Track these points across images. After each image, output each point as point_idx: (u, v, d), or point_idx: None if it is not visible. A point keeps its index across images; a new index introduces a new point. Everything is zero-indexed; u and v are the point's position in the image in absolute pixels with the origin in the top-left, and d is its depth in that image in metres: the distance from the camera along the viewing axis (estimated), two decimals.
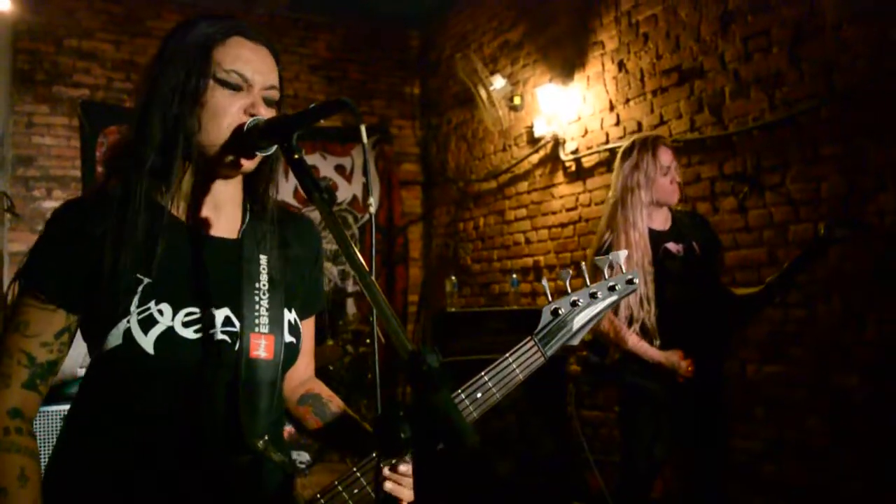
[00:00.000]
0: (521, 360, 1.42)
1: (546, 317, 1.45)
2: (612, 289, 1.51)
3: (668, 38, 4.53)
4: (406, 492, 1.18)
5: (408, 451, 0.82)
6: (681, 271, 3.15)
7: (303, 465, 5.02)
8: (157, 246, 1.22)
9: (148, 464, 1.20)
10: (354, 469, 1.32)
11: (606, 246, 3.12)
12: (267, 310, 1.29)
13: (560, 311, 1.46)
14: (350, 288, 6.94)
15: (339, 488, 1.31)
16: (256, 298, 1.28)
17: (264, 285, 1.30)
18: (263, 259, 1.33)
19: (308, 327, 1.47)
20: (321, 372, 6.33)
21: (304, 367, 1.50)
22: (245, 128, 1.23)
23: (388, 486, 1.18)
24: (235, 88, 1.26)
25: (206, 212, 1.31)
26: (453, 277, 6.11)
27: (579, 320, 1.47)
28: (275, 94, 1.31)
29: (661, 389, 3.09)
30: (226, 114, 1.24)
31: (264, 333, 1.27)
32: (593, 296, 1.49)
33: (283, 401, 1.39)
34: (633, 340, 3.08)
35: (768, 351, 3.81)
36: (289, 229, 1.41)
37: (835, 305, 3.51)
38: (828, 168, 3.56)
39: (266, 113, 1.26)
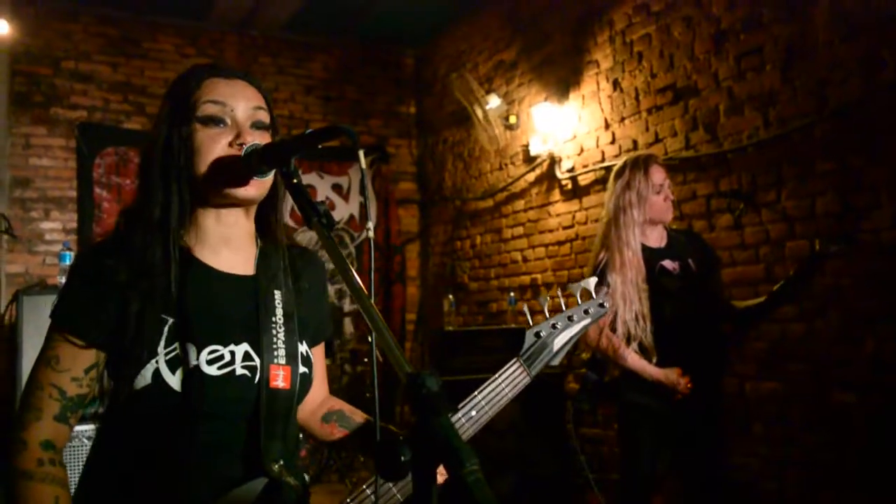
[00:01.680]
0: (510, 380, 1.55)
1: (529, 339, 1.60)
2: (586, 312, 1.68)
3: (662, 57, 4.56)
4: None
5: (407, 475, 0.82)
6: (677, 288, 3.16)
7: (308, 478, 4.99)
8: (179, 288, 1.29)
9: (168, 494, 1.25)
10: (364, 487, 1.40)
11: (602, 265, 3.13)
12: (283, 342, 1.35)
13: (542, 334, 1.61)
14: (347, 307, 6.93)
15: None
16: (273, 332, 1.34)
17: (280, 319, 1.36)
18: (277, 294, 1.39)
19: (319, 353, 1.53)
20: None
21: (321, 389, 1.57)
22: (243, 153, 1.26)
23: None
24: (217, 122, 1.31)
25: (221, 250, 1.37)
26: (451, 296, 6.12)
27: (559, 341, 1.62)
28: (262, 116, 1.36)
29: (660, 407, 3.08)
30: (212, 151, 1.29)
31: (282, 364, 1.33)
32: (570, 318, 1.65)
33: (298, 428, 1.46)
34: (632, 358, 3.08)
35: (766, 367, 3.81)
36: (298, 263, 1.48)
37: (833, 321, 3.51)
38: (822, 184, 3.58)
39: (253, 138, 1.31)
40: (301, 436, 1.57)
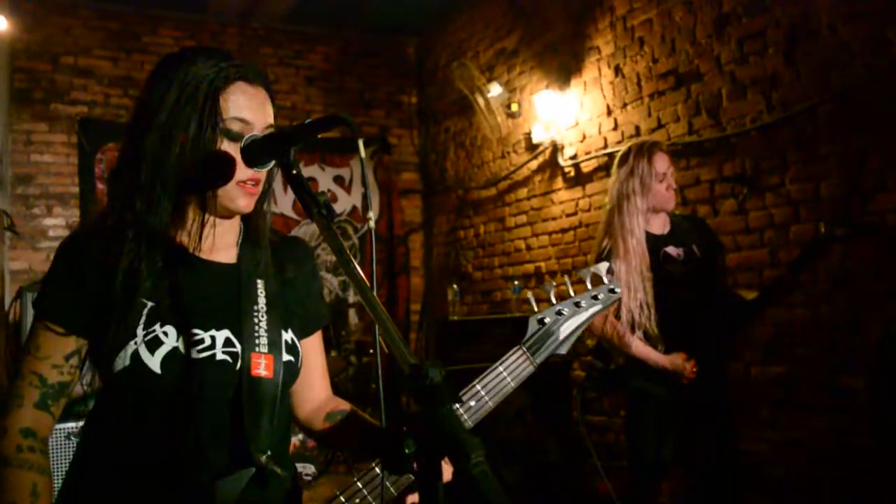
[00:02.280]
0: (512, 369, 1.48)
1: (533, 326, 1.52)
2: (595, 298, 1.58)
3: (663, 42, 4.54)
4: None
5: (412, 466, 0.82)
6: (682, 275, 3.15)
7: (308, 478, 5.01)
8: (160, 272, 1.28)
9: (155, 481, 1.24)
10: (355, 479, 1.37)
11: (605, 252, 3.12)
12: (266, 331, 1.33)
13: (546, 321, 1.53)
14: (351, 299, 6.93)
15: (342, 499, 1.35)
16: (255, 320, 1.32)
17: (262, 307, 1.34)
18: (260, 283, 1.37)
19: (313, 345, 1.51)
20: None
21: (321, 386, 1.55)
22: (242, 144, 1.25)
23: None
24: (237, 139, 1.28)
25: (205, 239, 1.34)
26: (455, 285, 6.11)
27: (565, 329, 1.53)
28: (271, 121, 1.34)
29: (666, 393, 3.08)
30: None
31: (264, 353, 1.31)
32: (577, 305, 1.56)
33: (287, 418, 1.43)
34: (637, 345, 3.08)
35: (772, 352, 3.80)
36: (283, 252, 1.46)
37: (839, 306, 3.50)
38: (827, 168, 3.56)
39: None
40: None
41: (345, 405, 1.54)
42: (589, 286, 1.59)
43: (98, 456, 1.29)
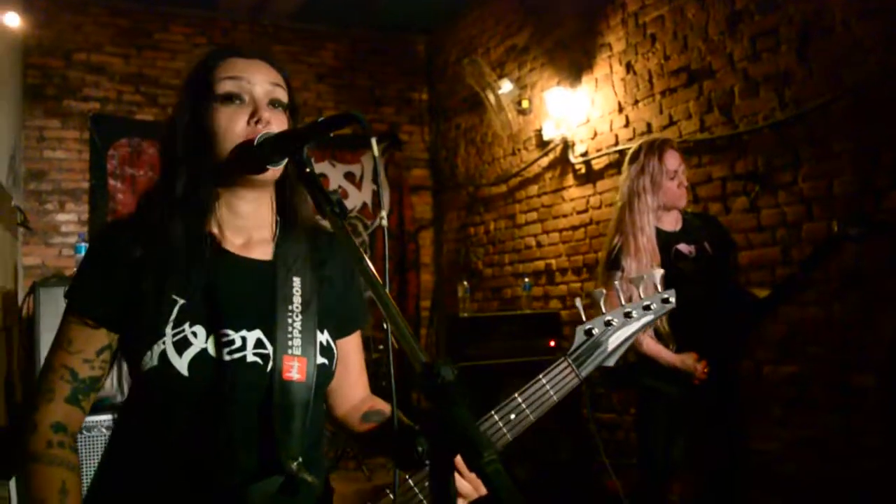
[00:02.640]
0: (555, 381, 1.40)
1: (580, 337, 1.44)
2: (647, 308, 1.49)
3: (675, 39, 4.52)
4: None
5: (424, 465, 0.82)
6: (693, 272, 3.14)
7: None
8: (192, 269, 1.26)
9: (183, 483, 1.22)
10: (408, 478, 1.28)
11: (616, 251, 3.11)
12: (300, 332, 1.29)
13: (594, 332, 1.44)
14: None
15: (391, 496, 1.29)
16: (289, 321, 1.29)
17: (297, 307, 1.31)
18: (297, 281, 1.33)
19: (352, 345, 1.49)
20: None
21: (359, 385, 1.52)
22: (255, 142, 1.23)
23: None
24: (235, 98, 1.28)
25: (239, 234, 1.34)
26: (465, 282, 6.10)
27: (614, 340, 1.45)
28: (280, 94, 1.33)
29: (677, 392, 3.07)
30: (231, 129, 1.26)
31: (297, 356, 1.27)
32: (628, 315, 1.47)
33: (320, 422, 1.39)
34: (648, 343, 3.07)
35: (784, 351, 3.79)
36: (322, 247, 1.42)
37: (851, 304, 3.48)
38: (840, 165, 3.54)
39: (272, 116, 1.28)
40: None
41: (382, 405, 1.50)
42: (641, 294, 1.49)
43: (128, 454, 1.28)
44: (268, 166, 1.24)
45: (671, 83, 4.55)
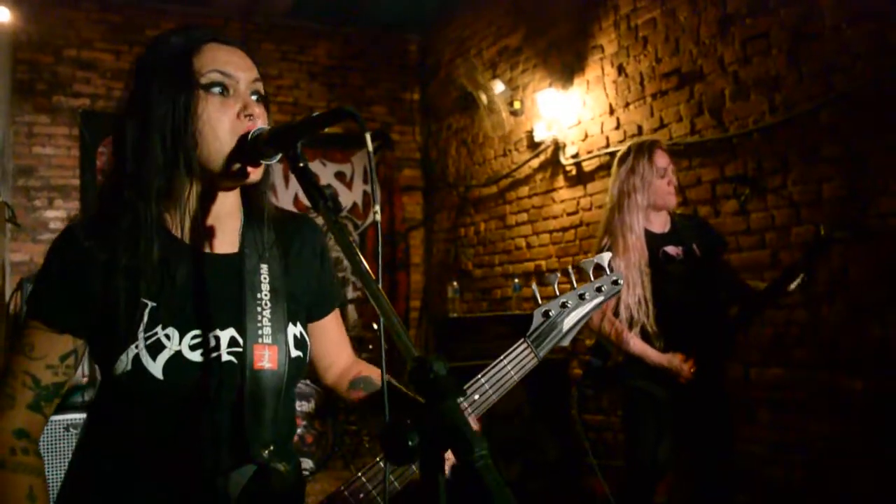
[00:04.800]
0: (516, 362, 1.46)
1: (537, 318, 1.51)
2: (598, 290, 1.58)
3: (667, 42, 4.53)
4: None
5: (415, 460, 0.82)
6: (681, 274, 3.15)
7: (306, 472, 5.01)
8: (161, 270, 1.23)
9: (157, 480, 1.22)
10: (360, 474, 1.35)
11: (605, 250, 3.12)
12: (269, 321, 1.29)
13: (550, 313, 1.51)
14: (351, 294, 6.93)
15: (346, 493, 1.33)
16: (259, 309, 1.28)
17: (266, 296, 1.30)
18: (265, 268, 1.32)
19: (331, 322, 1.50)
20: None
21: (344, 353, 1.55)
22: (249, 137, 1.22)
23: None
24: (222, 90, 1.24)
25: (207, 229, 1.31)
26: (455, 283, 6.12)
27: (569, 321, 1.53)
28: (261, 87, 1.30)
29: (664, 392, 3.08)
30: (221, 122, 1.23)
31: (267, 344, 1.27)
32: (581, 297, 1.56)
33: (291, 411, 1.40)
34: (635, 343, 3.08)
35: (772, 353, 3.81)
36: (288, 231, 1.40)
37: (838, 307, 3.50)
38: (829, 170, 3.56)
39: (259, 111, 1.26)
40: (305, 422, 1.52)
41: (367, 370, 1.52)
42: (592, 277, 1.59)
43: (101, 452, 1.27)
44: (261, 161, 1.23)
45: (662, 86, 4.57)
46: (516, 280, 5.73)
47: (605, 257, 1.60)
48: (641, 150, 3.18)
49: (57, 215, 6.03)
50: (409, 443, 0.79)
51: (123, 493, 1.23)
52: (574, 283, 1.58)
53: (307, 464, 5.00)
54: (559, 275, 1.57)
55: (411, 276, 7.35)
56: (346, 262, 7.66)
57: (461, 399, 1.37)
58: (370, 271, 1.00)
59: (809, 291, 3.56)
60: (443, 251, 7.10)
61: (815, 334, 3.60)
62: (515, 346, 1.48)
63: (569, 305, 1.54)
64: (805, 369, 3.65)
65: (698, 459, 3.23)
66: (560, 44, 5.50)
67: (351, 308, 6.93)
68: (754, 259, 3.91)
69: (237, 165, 1.24)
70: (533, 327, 1.50)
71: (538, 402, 4.64)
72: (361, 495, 1.32)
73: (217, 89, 1.24)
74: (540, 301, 1.54)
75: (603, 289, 1.58)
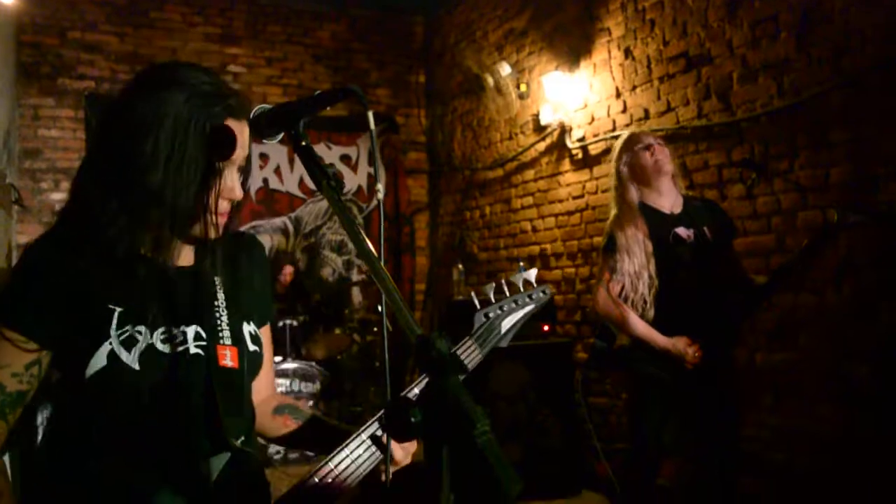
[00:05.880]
0: (464, 357, 1.59)
1: (479, 319, 1.65)
2: (530, 297, 1.74)
3: (674, 25, 4.50)
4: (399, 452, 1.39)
5: (418, 436, 0.82)
6: (691, 257, 3.15)
7: (278, 455, 5.05)
8: (126, 279, 1.29)
9: (137, 470, 1.26)
10: (326, 460, 1.39)
11: (610, 233, 3.17)
12: (227, 324, 1.38)
13: (490, 315, 1.67)
14: (355, 277, 6.95)
15: (315, 479, 1.38)
16: (217, 314, 1.37)
17: (222, 303, 1.39)
18: (218, 280, 1.41)
19: (264, 339, 1.53)
20: (330, 361, 6.31)
21: (268, 381, 1.60)
22: (252, 115, 1.23)
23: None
24: (231, 167, 1.33)
25: (164, 245, 1.35)
26: (460, 266, 6.12)
27: (506, 324, 1.68)
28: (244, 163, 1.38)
29: (669, 376, 3.08)
30: (221, 202, 1.33)
31: (228, 345, 1.36)
32: (516, 303, 1.71)
33: (251, 404, 1.47)
34: (641, 327, 3.08)
35: (777, 339, 3.80)
36: (235, 249, 1.50)
37: (845, 293, 3.49)
38: (837, 154, 3.54)
39: (237, 187, 1.35)
40: (311, 403, 1.56)
41: (290, 400, 1.62)
42: (521, 288, 1.75)
43: (71, 459, 1.30)
44: (263, 140, 1.24)
45: (669, 69, 4.54)
46: (521, 264, 5.72)
47: (532, 273, 1.77)
48: (629, 136, 3.35)
49: (63, 197, 6.02)
50: (413, 419, 0.80)
51: (100, 486, 1.26)
52: (506, 290, 1.74)
53: (277, 447, 5.03)
54: (493, 285, 1.71)
55: (416, 258, 7.35)
56: (351, 245, 7.63)
57: (406, 391, 1.45)
58: (374, 251, 1.00)
59: (816, 277, 3.55)
60: (448, 234, 7.10)
61: (822, 319, 3.59)
62: (462, 342, 1.61)
63: (505, 309, 1.69)
64: (811, 355, 3.64)
65: (702, 443, 3.24)
66: (567, 26, 5.46)
67: (356, 290, 6.94)
68: (760, 243, 3.89)
69: (195, 230, 1.32)
70: (476, 327, 1.65)
71: (542, 384, 4.65)
72: (329, 480, 1.36)
73: (230, 166, 1.32)
74: (478, 305, 1.67)
75: (534, 297, 1.74)
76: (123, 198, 1.27)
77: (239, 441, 1.32)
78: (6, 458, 1.35)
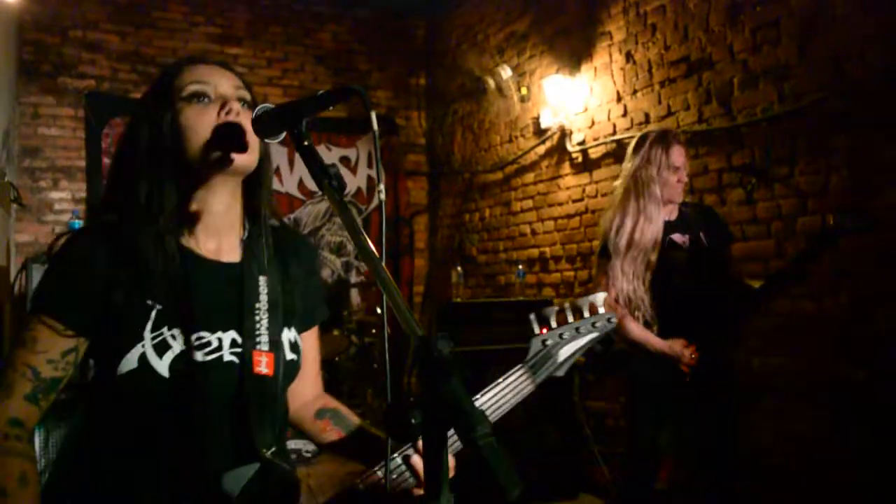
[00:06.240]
0: (513, 387, 1.49)
1: (536, 346, 1.54)
2: (594, 325, 1.60)
3: (676, 29, 4.50)
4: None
5: (417, 438, 0.82)
6: (686, 262, 3.15)
7: (308, 454, 5.02)
8: (166, 274, 1.28)
9: (158, 481, 1.25)
10: (376, 469, 1.37)
11: (612, 235, 3.12)
12: (267, 329, 1.34)
13: (548, 343, 1.55)
14: (354, 279, 6.94)
15: (361, 487, 1.36)
16: (257, 318, 1.34)
17: (263, 305, 1.36)
18: (262, 280, 1.38)
19: (309, 341, 1.51)
20: (328, 362, 6.28)
21: (314, 382, 1.56)
22: (255, 113, 1.22)
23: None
24: (201, 97, 1.32)
25: (208, 238, 1.37)
26: (459, 268, 6.11)
27: (564, 353, 1.56)
28: (245, 94, 1.37)
29: (666, 379, 3.08)
30: (200, 122, 1.30)
31: (265, 351, 1.32)
32: (577, 330, 1.58)
33: (286, 413, 1.45)
34: (637, 330, 3.08)
35: (775, 343, 3.80)
36: (286, 247, 1.47)
37: (842, 298, 3.49)
38: (837, 160, 3.54)
39: (242, 111, 1.32)
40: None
41: (334, 403, 1.56)
42: (586, 314, 1.62)
43: (98, 450, 1.29)
44: (266, 139, 1.24)
45: (670, 73, 4.54)
46: (520, 266, 5.72)
47: (600, 298, 1.64)
48: (660, 141, 3.16)
49: (62, 196, 6.04)
50: (412, 421, 0.79)
51: (123, 489, 1.25)
52: (570, 316, 1.60)
53: (309, 445, 5.02)
54: (556, 309, 1.60)
55: (415, 261, 7.35)
56: (350, 247, 7.61)
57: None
58: (374, 250, 1.00)
59: (814, 282, 3.55)
60: (447, 237, 7.10)
61: (819, 324, 3.59)
62: (513, 371, 1.51)
63: (565, 337, 1.57)
64: (808, 359, 3.64)
65: (700, 447, 3.23)
66: (568, 30, 5.46)
67: (354, 292, 6.93)
68: (760, 248, 3.89)
69: (216, 153, 1.29)
70: (531, 354, 1.54)
71: (540, 388, 4.64)
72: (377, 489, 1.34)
73: (198, 97, 1.32)
74: (537, 330, 1.56)
75: (597, 325, 1.61)
76: (154, 175, 1.30)
77: (269, 452, 1.29)
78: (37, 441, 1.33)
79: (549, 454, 4.60)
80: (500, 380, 1.49)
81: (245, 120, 1.30)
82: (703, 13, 4.30)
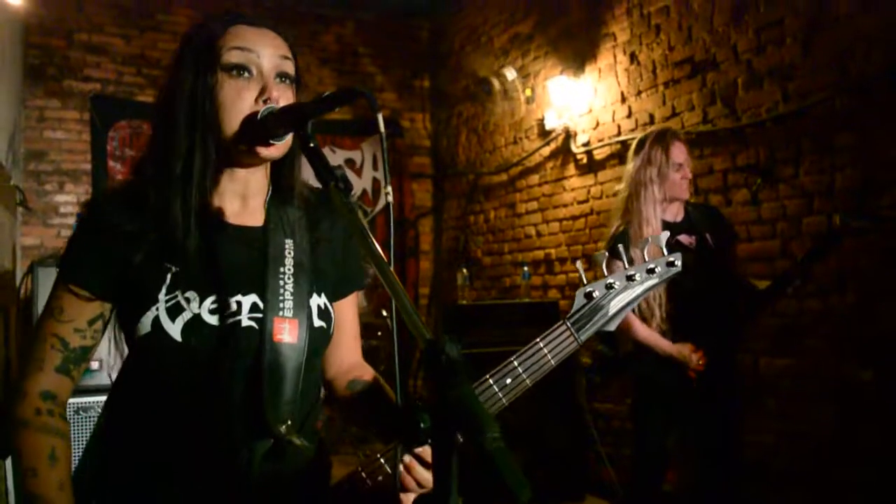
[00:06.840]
0: (554, 346, 1.34)
1: (580, 300, 1.38)
2: (651, 271, 1.41)
3: (680, 30, 4.50)
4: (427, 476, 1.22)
5: (427, 441, 0.81)
6: (693, 263, 3.13)
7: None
8: (185, 237, 1.24)
9: (175, 449, 1.22)
10: (378, 456, 1.32)
11: (618, 238, 3.11)
12: (292, 294, 1.28)
13: (594, 294, 1.37)
14: None
15: (363, 474, 1.31)
16: (281, 283, 1.27)
17: (289, 269, 1.29)
18: (289, 243, 1.32)
19: (347, 308, 1.46)
20: None
21: (351, 349, 1.50)
22: (259, 116, 1.22)
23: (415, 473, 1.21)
24: (242, 70, 1.26)
25: (233, 203, 1.33)
26: (464, 270, 6.11)
27: (616, 304, 1.38)
28: (288, 67, 1.31)
29: (673, 382, 3.08)
30: (237, 107, 1.24)
31: (288, 318, 1.26)
32: (630, 278, 1.40)
33: (316, 387, 1.38)
34: (645, 332, 3.08)
35: (781, 344, 3.79)
36: (318, 209, 1.40)
37: (849, 298, 3.48)
38: (842, 160, 3.53)
39: (279, 94, 1.26)
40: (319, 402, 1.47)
41: (368, 374, 1.47)
42: (645, 257, 1.43)
43: (122, 420, 1.28)
44: (271, 141, 1.23)
45: (675, 74, 4.53)
46: (525, 268, 5.72)
47: (663, 237, 1.46)
48: (658, 141, 3.16)
49: (67, 199, 6.05)
50: (421, 424, 0.79)
51: (141, 461, 1.24)
52: (625, 262, 1.43)
53: None
54: (607, 254, 1.44)
55: (420, 263, 7.35)
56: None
57: (492, 382, 1.31)
58: (381, 252, 1.00)
59: (820, 281, 3.54)
60: (452, 239, 7.09)
61: (826, 324, 3.58)
62: (554, 328, 1.35)
63: (616, 287, 1.39)
64: (814, 359, 3.63)
65: (707, 449, 3.22)
66: (572, 31, 5.46)
67: (360, 294, 6.93)
68: (765, 249, 3.88)
69: (244, 147, 1.25)
70: (574, 309, 1.37)
71: (547, 389, 4.63)
72: (380, 477, 1.30)
73: (239, 70, 1.26)
74: (585, 280, 1.39)
75: (656, 270, 1.41)
76: (189, 141, 1.25)
77: (284, 427, 1.22)
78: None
79: (556, 456, 4.59)
80: (538, 340, 1.34)
81: (284, 101, 1.26)
82: (707, 14, 4.29)
